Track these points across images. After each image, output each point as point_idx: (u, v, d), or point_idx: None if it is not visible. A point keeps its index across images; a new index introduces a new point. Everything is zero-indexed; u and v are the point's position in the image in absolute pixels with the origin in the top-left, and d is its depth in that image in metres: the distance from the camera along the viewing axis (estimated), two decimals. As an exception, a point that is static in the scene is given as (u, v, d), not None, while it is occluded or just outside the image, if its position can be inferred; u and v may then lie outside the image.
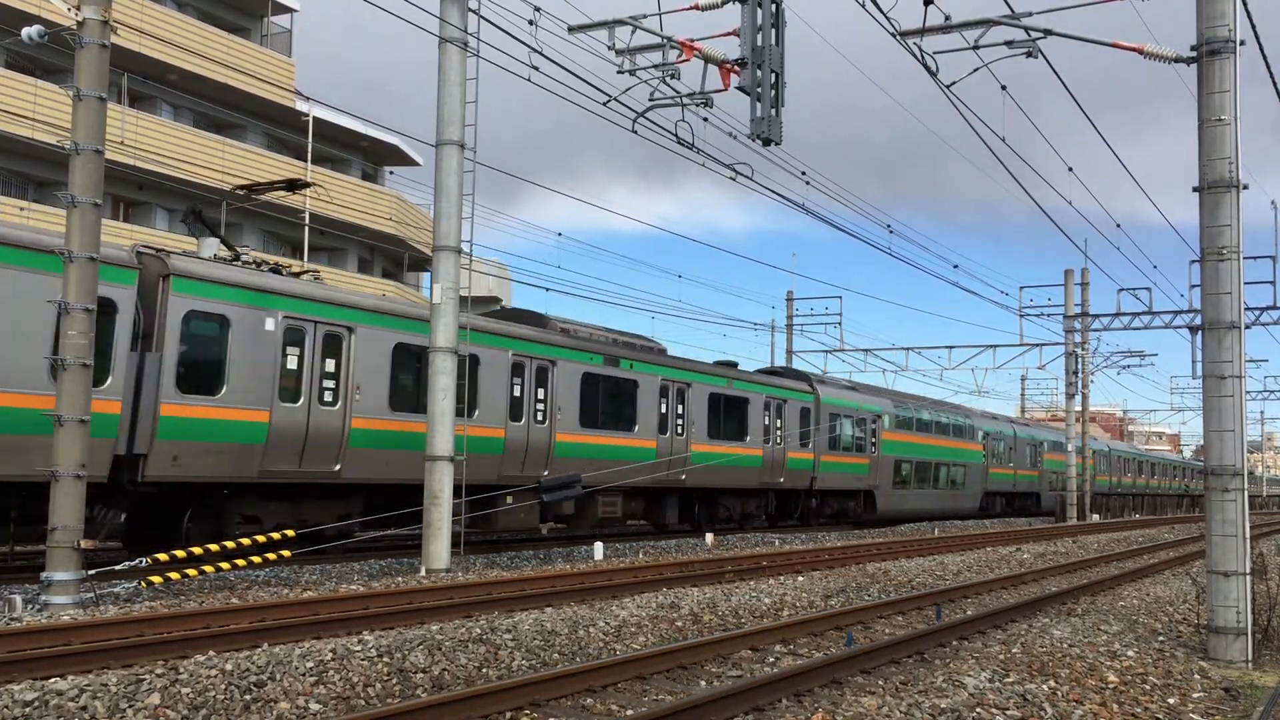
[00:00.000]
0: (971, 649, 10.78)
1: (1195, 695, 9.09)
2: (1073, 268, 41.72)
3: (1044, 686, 8.82)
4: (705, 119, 15.60)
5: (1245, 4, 11.21)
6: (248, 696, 7.54)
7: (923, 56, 13.10)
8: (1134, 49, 11.78)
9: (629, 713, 7.74)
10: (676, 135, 15.52)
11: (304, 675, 8.11)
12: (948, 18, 12.81)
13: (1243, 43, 10.88)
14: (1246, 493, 10.83)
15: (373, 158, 40.85)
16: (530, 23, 14.60)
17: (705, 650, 9.88)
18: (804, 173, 20.68)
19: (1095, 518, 46.63)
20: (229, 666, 8.05)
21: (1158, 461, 74.35)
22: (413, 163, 41.70)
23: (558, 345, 20.81)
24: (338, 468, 16.24)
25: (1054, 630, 11.95)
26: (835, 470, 30.92)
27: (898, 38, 12.88)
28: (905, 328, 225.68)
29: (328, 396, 16.11)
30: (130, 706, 7.09)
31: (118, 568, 12.59)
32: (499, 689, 7.65)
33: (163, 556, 12.83)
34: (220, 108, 33.61)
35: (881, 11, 12.46)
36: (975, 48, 12.88)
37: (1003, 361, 68.62)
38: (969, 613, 13.55)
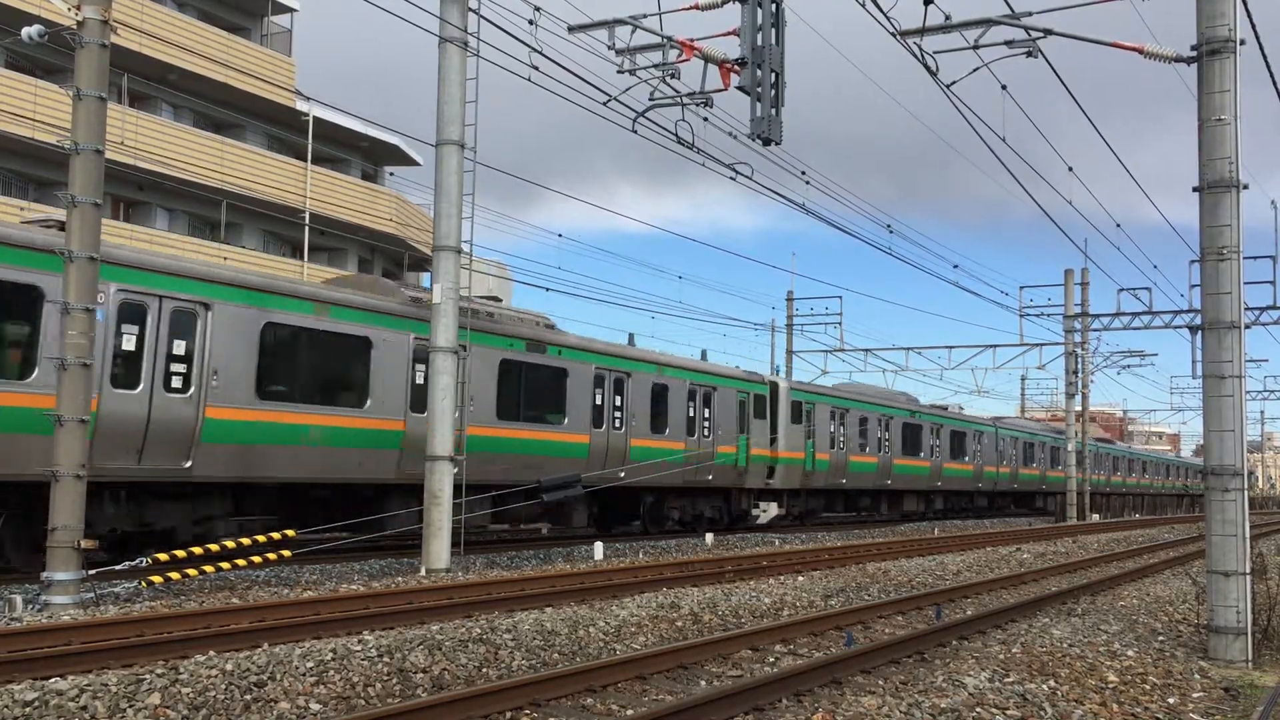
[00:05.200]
0: (971, 649, 10.78)
1: (1195, 695, 9.09)
2: (1073, 268, 41.74)
3: (1044, 686, 8.82)
4: (705, 119, 15.60)
5: (1245, 4, 11.21)
6: (248, 696, 7.54)
7: (923, 56, 13.10)
8: (1134, 49, 11.78)
9: (629, 713, 7.74)
10: (677, 135, 15.52)
11: (304, 675, 8.11)
12: (948, 17, 12.81)
13: (1243, 42, 10.88)
14: (1246, 492, 10.83)
15: (373, 158, 40.83)
16: (530, 23, 14.60)
17: (705, 650, 9.88)
18: (804, 172, 20.68)
19: (1095, 518, 46.64)
20: (229, 666, 8.05)
21: (1124, 456, 66.09)
22: (413, 163, 41.68)
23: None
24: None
25: (1054, 630, 11.95)
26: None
27: (898, 37, 12.88)
28: (905, 328, 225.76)
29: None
30: (130, 706, 7.09)
31: (118, 567, 12.59)
32: (499, 689, 7.65)
33: (163, 556, 12.84)
34: (220, 108, 33.59)
35: (881, 11, 12.46)
36: (975, 47, 12.88)
37: (1003, 361, 68.47)
38: (969, 613, 13.55)
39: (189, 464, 14.28)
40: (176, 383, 14.21)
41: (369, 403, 16.84)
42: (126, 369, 13.73)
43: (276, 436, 15.36)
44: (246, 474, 15.12)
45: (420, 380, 17.49)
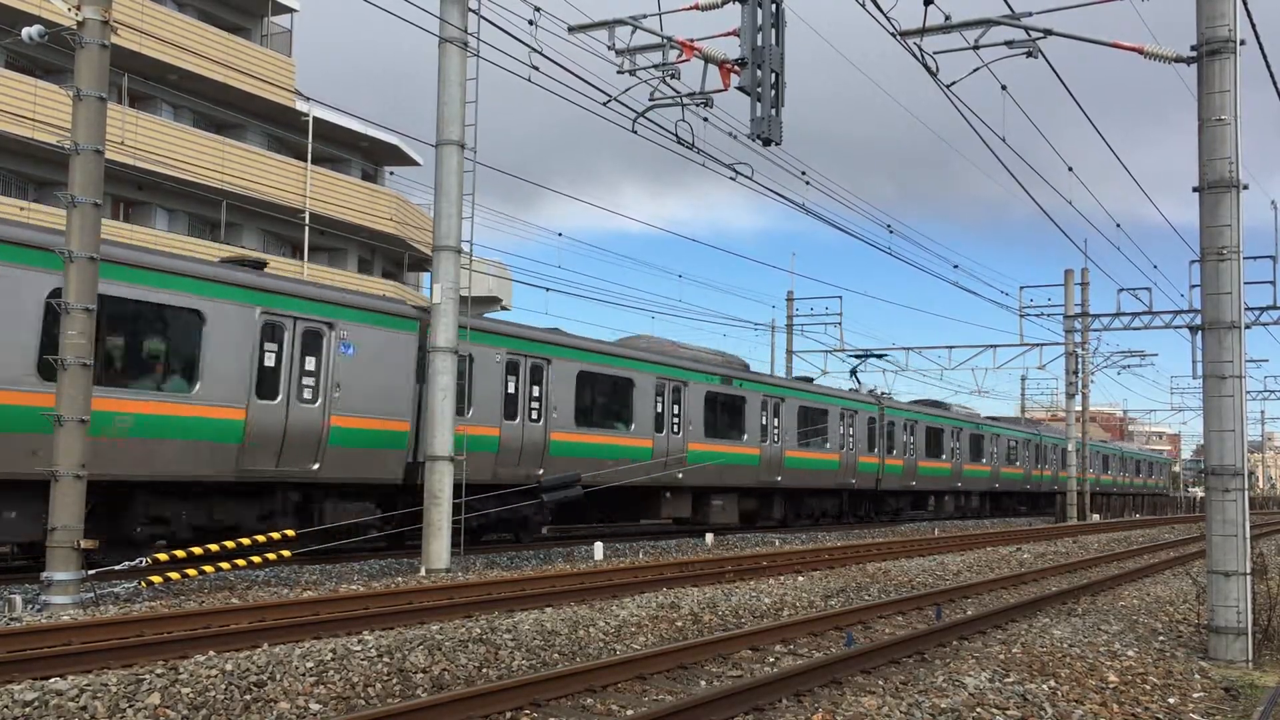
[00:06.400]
0: (971, 649, 10.78)
1: (1195, 695, 9.09)
2: (1073, 268, 41.74)
3: (1044, 686, 8.82)
4: (705, 119, 15.59)
5: (1245, 4, 11.21)
6: (248, 696, 7.54)
7: (923, 56, 13.10)
8: (1134, 49, 11.77)
9: (629, 713, 7.74)
10: (677, 135, 15.52)
11: (304, 675, 8.11)
12: (948, 17, 12.80)
13: (1243, 42, 10.87)
14: (1247, 492, 10.83)
15: (373, 158, 40.83)
16: (530, 23, 14.60)
17: (705, 650, 9.88)
18: (804, 173, 20.68)
19: (1095, 518, 46.65)
20: (229, 666, 8.05)
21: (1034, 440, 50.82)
22: (413, 163, 41.67)
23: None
24: None
25: (1054, 630, 11.95)
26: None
27: (898, 37, 12.87)
28: (905, 328, 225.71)
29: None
30: (130, 706, 7.09)
31: (118, 567, 12.58)
32: (499, 689, 7.65)
33: (162, 556, 12.84)
34: (220, 108, 33.59)
35: (881, 11, 12.45)
36: (975, 48, 12.88)
37: (1003, 361, 68.83)
38: (969, 613, 13.55)
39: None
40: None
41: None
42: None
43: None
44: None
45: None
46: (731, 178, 16.88)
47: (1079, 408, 44.28)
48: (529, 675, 8.45)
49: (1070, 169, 21.92)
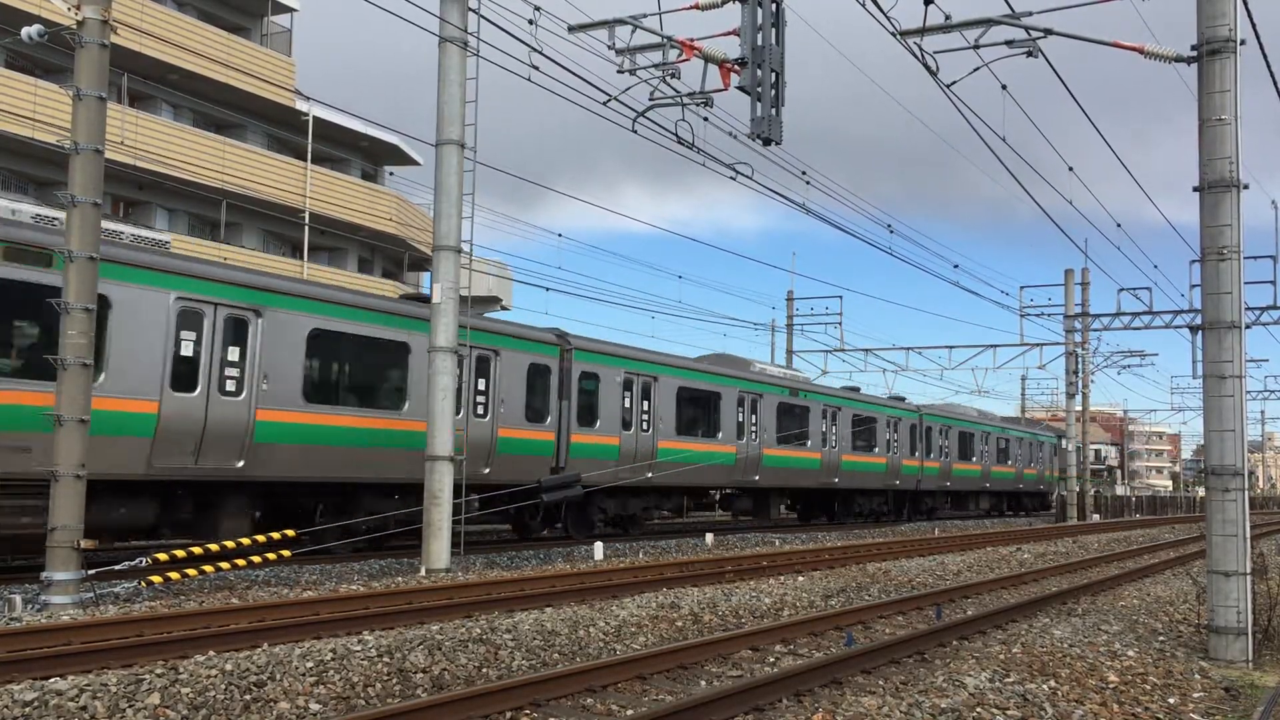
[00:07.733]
0: (972, 649, 10.78)
1: (1195, 695, 9.09)
2: (1073, 268, 41.73)
3: (1044, 686, 8.82)
4: (705, 119, 15.59)
5: (1245, 4, 11.20)
6: (248, 696, 7.54)
7: (923, 56, 13.09)
8: (1134, 48, 11.77)
9: (629, 713, 7.73)
10: (677, 135, 15.51)
11: (304, 675, 8.11)
12: (948, 17, 12.80)
13: (1243, 42, 10.87)
14: (1247, 492, 10.83)
15: (373, 158, 40.82)
16: (530, 22, 14.60)
17: (705, 650, 9.88)
18: (804, 173, 20.67)
19: (1096, 518, 46.63)
20: (229, 666, 8.05)
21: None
22: (413, 163, 41.66)
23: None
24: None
25: (1054, 630, 11.95)
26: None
27: (898, 37, 12.87)
28: (905, 328, 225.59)
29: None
30: (130, 706, 7.09)
31: (118, 567, 12.59)
32: (499, 689, 7.65)
33: (162, 556, 12.83)
34: (220, 108, 33.59)
35: (882, 11, 12.45)
36: (975, 47, 12.88)
37: (1003, 361, 69.00)
38: (969, 613, 13.55)
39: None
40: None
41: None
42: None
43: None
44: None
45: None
46: (732, 178, 16.89)
47: (1079, 408, 44.29)
48: (529, 675, 8.45)
49: (1071, 169, 21.92)
